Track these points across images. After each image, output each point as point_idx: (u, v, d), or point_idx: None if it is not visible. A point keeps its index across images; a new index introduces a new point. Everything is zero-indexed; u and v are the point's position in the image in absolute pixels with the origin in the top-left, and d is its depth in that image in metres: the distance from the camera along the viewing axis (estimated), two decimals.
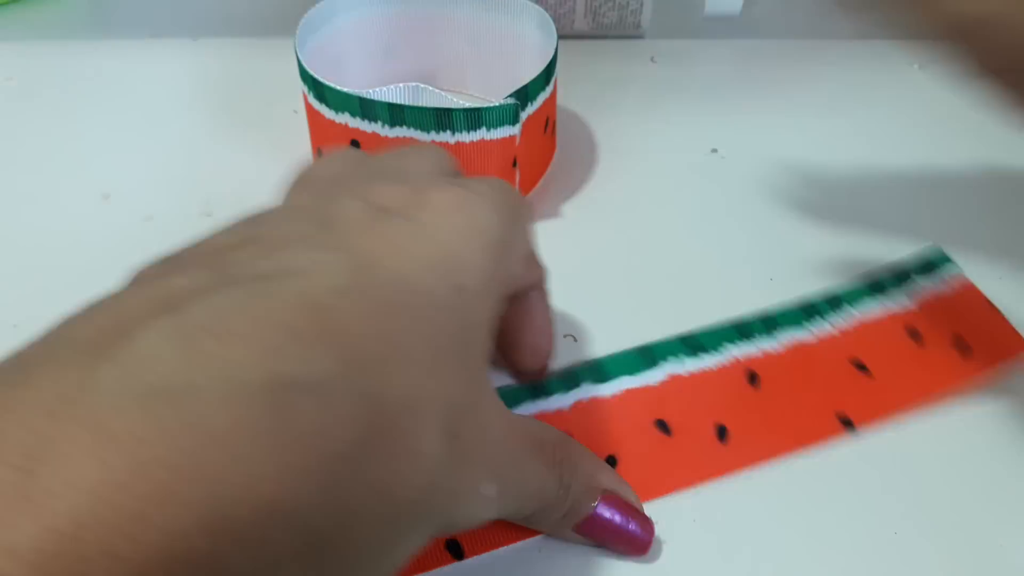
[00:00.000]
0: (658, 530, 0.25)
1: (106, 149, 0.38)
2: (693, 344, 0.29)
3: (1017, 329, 0.29)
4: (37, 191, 0.36)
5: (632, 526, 0.24)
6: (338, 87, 0.31)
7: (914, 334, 0.29)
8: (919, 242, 0.33)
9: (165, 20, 0.45)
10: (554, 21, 0.34)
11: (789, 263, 0.33)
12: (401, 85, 0.34)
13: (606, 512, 0.24)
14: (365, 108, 0.31)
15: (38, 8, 0.46)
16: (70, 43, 0.44)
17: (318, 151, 0.35)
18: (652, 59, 0.43)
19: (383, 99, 0.31)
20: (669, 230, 0.34)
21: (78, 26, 0.45)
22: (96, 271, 0.33)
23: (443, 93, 0.35)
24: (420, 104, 0.32)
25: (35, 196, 0.36)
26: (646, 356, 0.28)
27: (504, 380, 0.25)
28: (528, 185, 0.35)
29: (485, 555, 0.25)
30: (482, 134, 0.31)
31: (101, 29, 0.45)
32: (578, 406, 0.27)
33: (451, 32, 0.38)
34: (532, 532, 0.24)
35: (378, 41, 0.38)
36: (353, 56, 0.37)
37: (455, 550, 0.24)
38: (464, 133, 0.31)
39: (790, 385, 0.28)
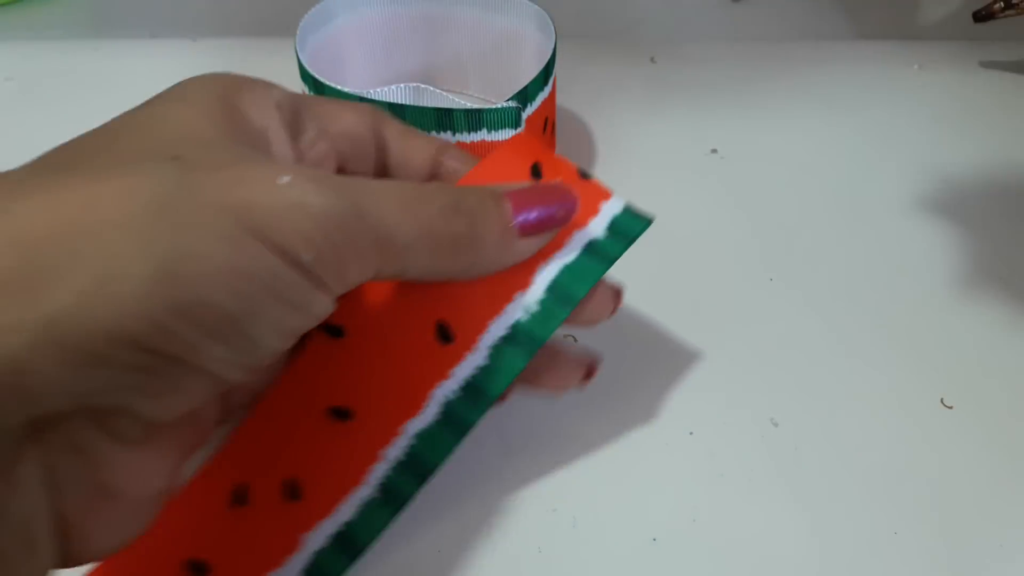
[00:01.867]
0: (657, 531, 0.25)
1: None
2: None
3: None
4: None
5: (557, 206, 0.23)
6: (338, 87, 0.31)
7: None
8: (917, 241, 0.33)
9: (165, 20, 0.45)
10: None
11: (789, 263, 0.33)
12: (401, 85, 0.34)
13: (523, 203, 0.22)
14: None
15: (38, 8, 0.46)
16: (70, 43, 0.44)
17: None
18: (652, 59, 0.43)
19: (383, 99, 0.31)
20: (669, 230, 0.34)
21: (78, 26, 0.45)
22: None
23: (443, 93, 0.35)
24: (420, 104, 0.32)
25: None
26: None
27: None
28: None
29: (484, 557, 0.25)
30: (483, 135, 0.31)
31: (101, 29, 0.45)
32: None
33: (451, 32, 0.38)
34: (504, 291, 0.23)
35: (378, 41, 0.38)
36: (353, 56, 0.37)
37: (444, 334, 0.23)
38: (465, 134, 0.31)
39: None
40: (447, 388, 0.23)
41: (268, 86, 0.23)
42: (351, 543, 0.23)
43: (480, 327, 0.23)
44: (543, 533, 0.25)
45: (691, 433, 0.28)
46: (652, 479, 0.26)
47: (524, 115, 0.32)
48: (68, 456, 0.17)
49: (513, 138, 0.25)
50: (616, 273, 0.33)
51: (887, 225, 0.34)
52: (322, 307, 0.19)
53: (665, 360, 0.30)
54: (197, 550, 0.23)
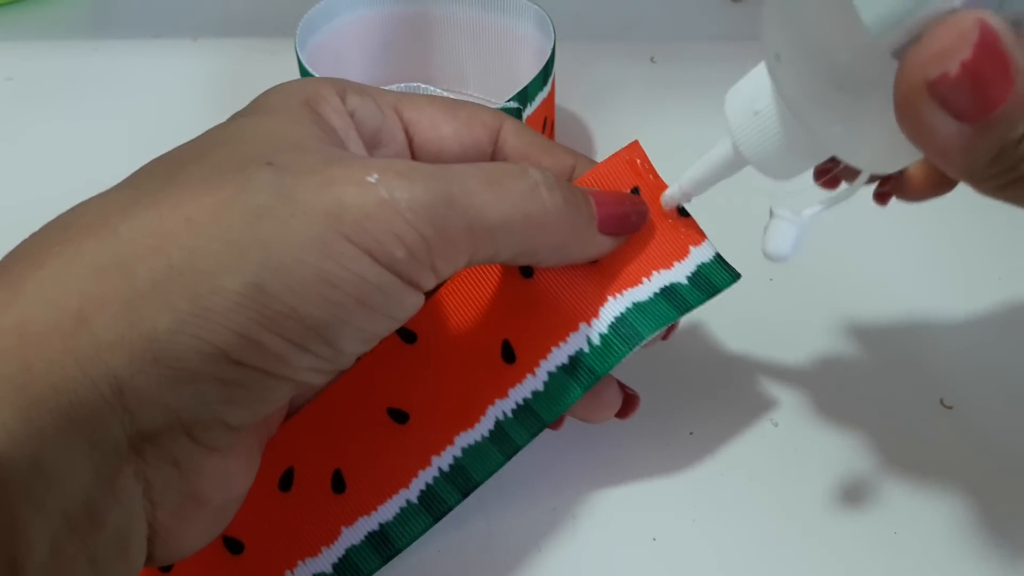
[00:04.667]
0: (657, 531, 0.25)
1: (106, 149, 0.38)
2: None
3: None
4: (36, 191, 0.36)
5: (630, 208, 0.23)
6: None
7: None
8: (917, 240, 0.33)
9: (165, 20, 0.45)
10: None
11: (788, 263, 0.33)
12: (401, 85, 0.34)
13: (599, 198, 0.22)
14: None
15: (38, 8, 0.46)
16: (70, 43, 0.44)
17: None
18: (652, 59, 0.43)
19: None
20: None
21: (78, 26, 0.45)
22: None
23: (443, 93, 0.35)
24: None
25: (34, 196, 0.36)
26: None
27: None
28: None
29: (484, 557, 0.25)
30: None
31: (101, 29, 0.45)
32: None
33: (451, 32, 0.38)
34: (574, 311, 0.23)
35: (378, 41, 0.38)
36: (353, 56, 0.37)
37: (508, 354, 0.23)
38: None
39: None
40: (502, 406, 0.23)
41: (340, 90, 0.22)
42: (385, 544, 0.23)
43: (543, 352, 0.23)
44: (543, 533, 0.25)
45: (691, 433, 0.28)
46: (652, 479, 0.26)
47: (524, 115, 0.32)
48: (165, 468, 0.18)
49: (618, 155, 0.24)
50: None
51: (887, 224, 0.34)
52: (411, 305, 0.19)
53: (665, 360, 0.30)
54: (234, 528, 0.23)
